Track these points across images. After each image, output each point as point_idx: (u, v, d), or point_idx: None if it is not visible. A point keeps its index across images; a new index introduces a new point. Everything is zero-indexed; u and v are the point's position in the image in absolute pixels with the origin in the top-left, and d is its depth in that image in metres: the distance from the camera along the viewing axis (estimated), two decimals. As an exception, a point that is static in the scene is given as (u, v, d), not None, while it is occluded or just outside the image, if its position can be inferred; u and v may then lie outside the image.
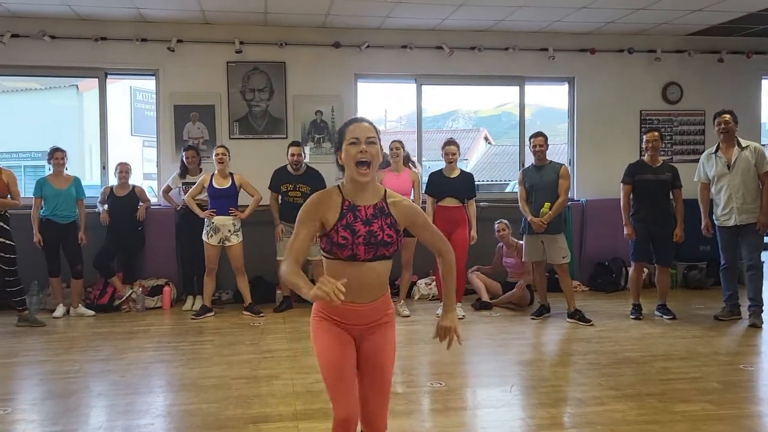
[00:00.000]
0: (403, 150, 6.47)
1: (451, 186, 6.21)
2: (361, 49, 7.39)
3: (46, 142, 7.79)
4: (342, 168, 2.40)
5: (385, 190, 2.44)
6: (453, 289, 2.54)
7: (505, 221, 6.83)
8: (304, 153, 6.69)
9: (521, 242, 6.72)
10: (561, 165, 6.14)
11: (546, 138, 6.11)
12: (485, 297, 6.69)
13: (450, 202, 6.20)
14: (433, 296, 7.09)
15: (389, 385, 2.48)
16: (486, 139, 27.88)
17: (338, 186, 2.42)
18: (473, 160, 24.70)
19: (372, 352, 2.42)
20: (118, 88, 13.85)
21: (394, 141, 6.53)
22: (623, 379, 4.20)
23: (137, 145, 15.27)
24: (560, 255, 5.98)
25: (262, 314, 6.31)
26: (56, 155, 6.37)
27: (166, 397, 4.07)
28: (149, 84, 13.36)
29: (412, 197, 6.31)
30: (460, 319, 6.10)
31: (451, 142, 6.33)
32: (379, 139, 2.37)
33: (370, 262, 2.35)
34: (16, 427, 3.51)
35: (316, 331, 2.42)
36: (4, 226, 5.82)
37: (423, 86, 7.85)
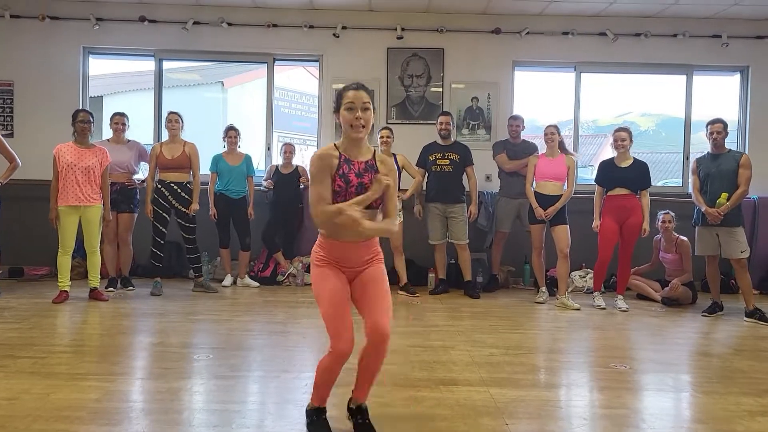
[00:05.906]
0: (558, 135, 6.30)
1: (623, 176, 6.00)
2: (521, 36, 7.32)
3: (198, 128, 8.17)
4: (341, 126, 2.71)
5: (375, 150, 2.78)
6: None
7: (672, 213, 6.50)
8: (453, 123, 6.69)
9: (682, 238, 6.40)
10: (742, 153, 5.77)
11: (726, 125, 5.76)
12: (654, 296, 6.46)
13: (621, 191, 5.99)
14: (587, 289, 6.87)
15: (388, 294, 2.72)
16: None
17: (334, 144, 2.74)
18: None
19: (368, 277, 2.72)
20: (260, 85, 14.58)
21: (549, 126, 6.35)
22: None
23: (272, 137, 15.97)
24: (738, 249, 5.62)
25: (417, 295, 6.37)
26: (230, 133, 6.74)
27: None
28: (286, 82, 13.82)
29: (566, 184, 6.15)
30: (623, 311, 5.88)
31: (622, 128, 6.10)
32: (372, 103, 2.67)
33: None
34: (221, 371, 3.72)
35: (319, 274, 2.71)
36: (185, 196, 6.23)
37: (582, 74, 7.65)
